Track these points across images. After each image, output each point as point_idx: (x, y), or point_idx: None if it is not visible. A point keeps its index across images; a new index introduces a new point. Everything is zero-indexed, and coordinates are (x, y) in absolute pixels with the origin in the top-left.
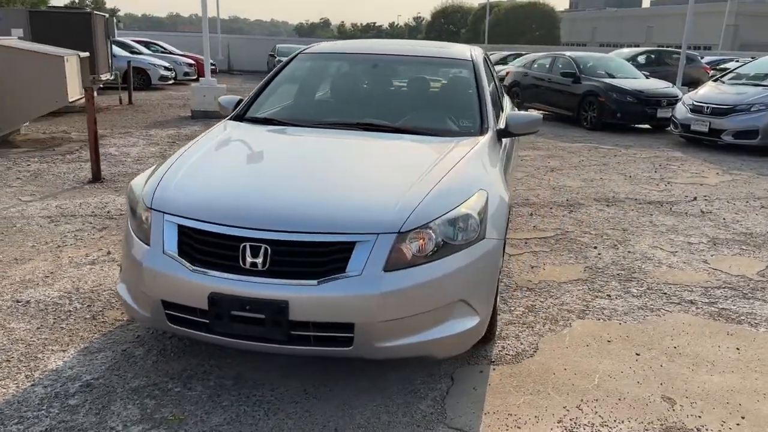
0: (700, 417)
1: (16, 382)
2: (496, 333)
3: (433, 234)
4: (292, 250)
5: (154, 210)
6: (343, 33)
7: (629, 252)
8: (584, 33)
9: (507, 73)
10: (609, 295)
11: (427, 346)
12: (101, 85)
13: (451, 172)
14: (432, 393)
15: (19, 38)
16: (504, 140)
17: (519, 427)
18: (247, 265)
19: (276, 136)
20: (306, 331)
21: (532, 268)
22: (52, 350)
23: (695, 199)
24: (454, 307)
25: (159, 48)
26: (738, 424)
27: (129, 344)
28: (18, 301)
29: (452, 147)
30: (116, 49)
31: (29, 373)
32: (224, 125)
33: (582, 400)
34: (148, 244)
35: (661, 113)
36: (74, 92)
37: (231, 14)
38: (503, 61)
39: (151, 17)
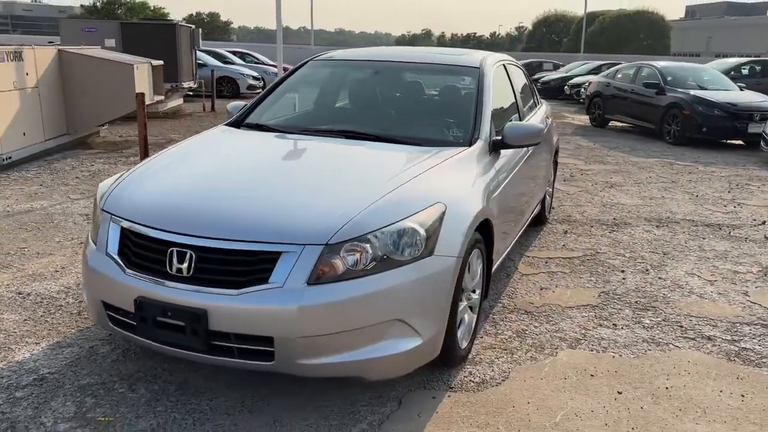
0: None
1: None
2: (468, 357)
3: (370, 247)
4: (217, 257)
5: (104, 212)
6: (442, 44)
7: (660, 278)
8: (698, 43)
9: (589, 83)
10: (615, 325)
11: (357, 367)
12: (189, 93)
13: (409, 183)
14: (372, 417)
15: (111, 48)
16: (504, 152)
17: None
18: (174, 271)
19: (251, 143)
20: (228, 342)
21: (542, 290)
22: (27, 342)
23: (764, 223)
24: (390, 327)
25: (253, 59)
26: None
27: (98, 342)
28: (20, 293)
29: (426, 157)
30: (207, 59)
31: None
32: (215, 130)
33: None
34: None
35: (753, 128)
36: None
37: (337, 27)
38: (596, 71)
39: (263, 30)
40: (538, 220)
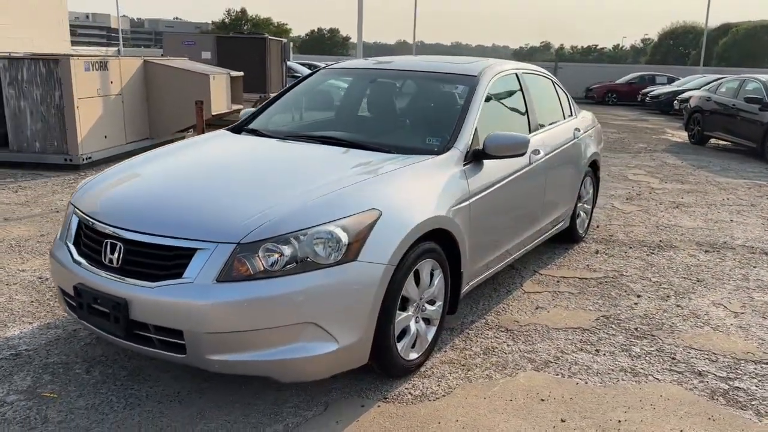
0: None
1: None
2: (419, 369)
3: (289, 249)
4: (141, 250)
5: (71, 204)
6: (561, 56)
7: (678, 306)
8: None
9: (690, 97)
10: (598, 351)
11: (268, 367)
12: None
13: (349, 188)
14: (292, 419)
15: (207, 60)
16: (491, 163)
17: None
18: (107, 261)
19: (227, 146)
20: (147, 332)
21: (537, 309)
22: (22, 321)
23: None
24: (303, 329)
25: None
26: None
27: (81, 326)
28: (40, 278)
29: (385, 164)
30: (303, 71)
31: None
32: (212, 134)
33: None
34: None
35: None
36: (220, 107)
37: (454, 41)
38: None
39: (380, 44)
40: (568, 238)
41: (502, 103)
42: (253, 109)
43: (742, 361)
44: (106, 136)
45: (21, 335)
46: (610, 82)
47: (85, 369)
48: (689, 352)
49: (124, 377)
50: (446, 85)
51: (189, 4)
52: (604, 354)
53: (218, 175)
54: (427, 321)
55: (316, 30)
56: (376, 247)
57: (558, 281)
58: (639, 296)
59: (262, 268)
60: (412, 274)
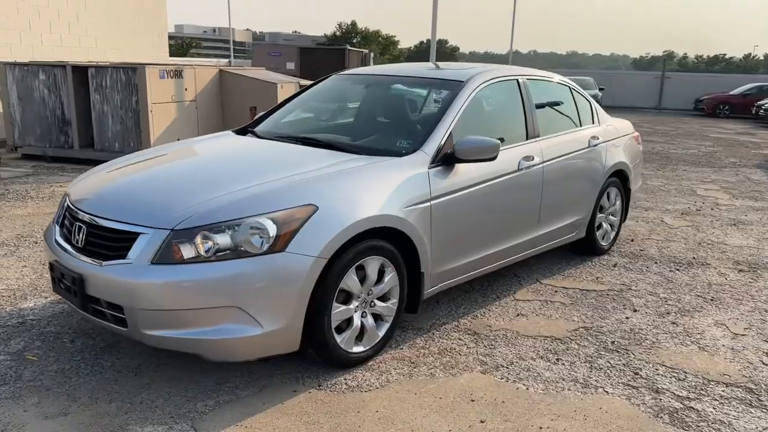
0: None
1: None
2: (366, 363)
3: (221, 237)
4: (98, 233)
5: (66, 193)
6: (683, 66)
7: (673, 323)
8: None
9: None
10: (558, 360)
11: (195, 344)
12: None
13: (291, 184)
14: (226, 396)
15: (290, 70)
16: (467, 167)
17: None
18: (74, 241)
19: (216, 145)
20: (100, 306)
21: (518, 316)
22: (41, 296)
23: None
24: (229, 313)
25: None
26: None
27: None
28: None
29: (342, 163)
30: None
31: (4, 306)
32: (216, 134)
33: None
34: None
35: None
36: None
37: (570, 50)
38: None
39: (492, 55)
40: (587, 249)
41: (494, 109)
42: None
43: (713, 383)
44: (178, 139)
45: (33, 307)
46: (722, 93)
47: (71, 339)
48: (657, 369)
49: (100, 349)
50: (432, 90)
51: (308, 17)
52: (563, 363)
53: (187, 169)
54: (379, 317)
55: (424, 41)
56: (307, 240)
57: (556, 291)
58: (635, 311)
59: (195, 254)
60: (354, 269)
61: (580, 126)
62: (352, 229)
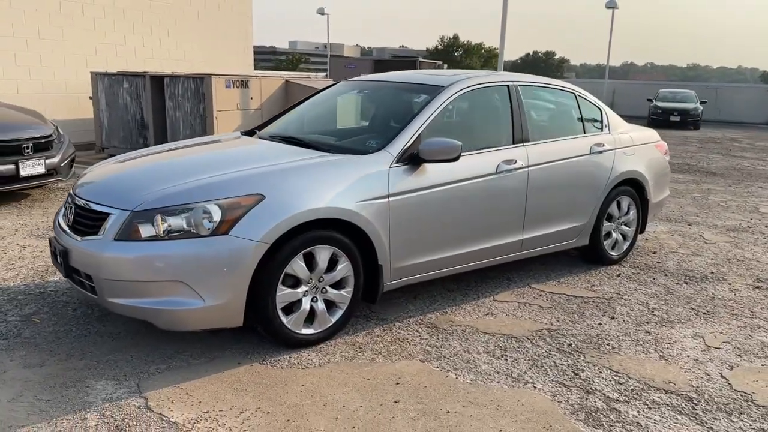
0: None
1: (22, 280)
2: (317, 344)
3: (174, 219)
4: (82, 213)
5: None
6: None
7: (647, 332)
8: None
9: None
10: (504, 355)
11: (147, 313)
12: None
13: (242, 174)
14: (178, 363)
15: None
16: (435, 167)
17: (171, 410)
18: (67, 221)
19: (218, 143)
20: (79, 276)
21: (487, 315)
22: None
23: None
24: (175, 286)
25: None
26: None
27: None
28: None
29: (307, 159)
30: None
31: (34, 279)
32: (225, 134)
33: (255, 410)
34: None
35: None
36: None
37: (690, 62)
38: None
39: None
40: (594, 258)
41: (475, 114)
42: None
43: (652, 389)
44: None
45: (56, 281)
46: None
47: (74, 308)
48: (601, 372)
49: (95, 317)
50: (413, 94)
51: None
52: (507, 359)
53: (169, 162)
54: (333, 304)
55: (531, 53)
56: (250, 226)
57: (540, 295)
58: (613, 318)
59: (153, 234)
60: (301, 256)
61: (584, 133)
62: (294, 219)
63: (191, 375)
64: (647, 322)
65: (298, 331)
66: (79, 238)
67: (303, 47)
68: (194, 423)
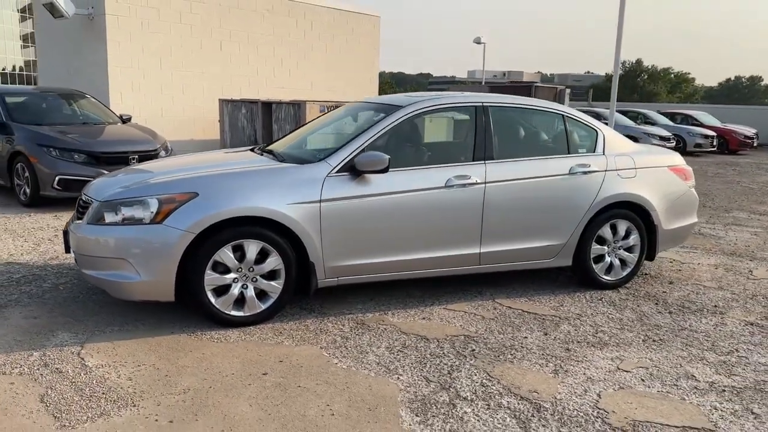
0: None
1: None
2: (252, 325)
3: (126, 209)
4: (81, 204)
5: None
6: None
7: (568, 350)
8: None
9: None
10: (399, 352)
11: (103, 283)
12: None
13: (189, 175)
14: (128, 326)
15: None
16: (380, 178)
17: (91, 357)
18: (76, 210)
19: (223, 154)
20: (73, 253)
21: (423, 319)
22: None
23: None
24: (122, 263)
25: (694, 120)
26: None
27: None
28: None
29: (258, 166)
30: (616, 118)
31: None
32: (239, 149)
33: (149, 365)
34: None
35: None
36: None
37: None
38: None
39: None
40: (587, 282)
41: (431, 131)
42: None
43: (508, 395)
44: None
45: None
46: None
47: (76, 282)
48: (475, 374)
49: (100, 291)
50: (376, 114)
51: (601, 57)
52: (398, 354)
53: (157, 167)
54: (264, 293)
55: (731, 78)
56: (180, 218)
57: (495, 308)
58: (545, 334)
59: (113, 220)
60: (229, 247)
61: (568, 153)
62: (218, 215)
63: (130, 336)
64: (577, 342)
65: (226, 312)
66: (75, 223)
67: (480, 76)
68: (99, 367)
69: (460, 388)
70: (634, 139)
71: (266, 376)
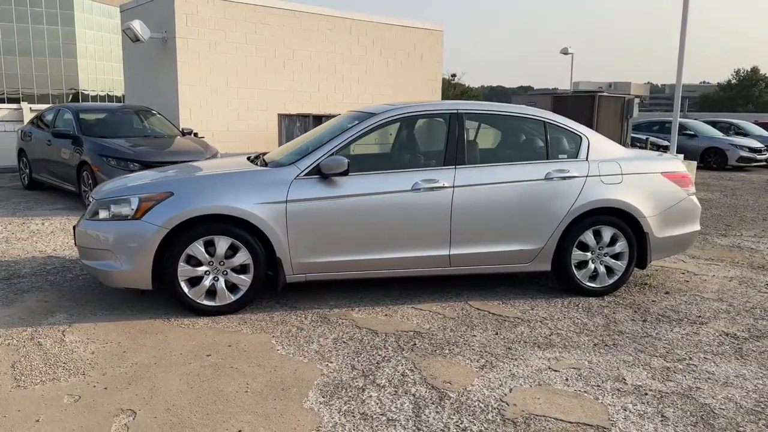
0: None
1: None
2: (225, 314)
3: (114, 206)
4: (89, 203)
5: None
6: None
7: (509, 349)
8: None
9: None
10: (342, 343)
11: (95, 271)
12: None
13: (169, 178)
14: (117, 311)
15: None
16: (349, 180)
17: (72, 334)
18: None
19: (225, 161)
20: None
21: (383, 315)
22: None
23: None
24: (108, 254)
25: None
26: None
27: None
28: None
29: (235, 169)
30: (703, 129)
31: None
32: (241, 155)
33: (115, 343)
34: None
35: None
36: None
37: None
38: None
39: None
40: (571, 288)
41: (402, 138)
42: None
43: (422, 384)
44: None
45: None
46: None
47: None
48: (403, 364)
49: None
50: (352, 121)
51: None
52: (341, 344)
53: (156, 172)
54: (234, 285)
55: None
56: (156, 215)
57: (462, 309)
58: (497, 334)
59: (105, 216)
60: (201, 242)
61: (547, 159)
62: (188, 213)
63: (114, 319)
64: (523, 342)
65: (198, 301)
66: (80, 220)
67: (586, 87)
68: (72, 343)
69: (380, 376)
70: (720, 151)
71: (209, 358)
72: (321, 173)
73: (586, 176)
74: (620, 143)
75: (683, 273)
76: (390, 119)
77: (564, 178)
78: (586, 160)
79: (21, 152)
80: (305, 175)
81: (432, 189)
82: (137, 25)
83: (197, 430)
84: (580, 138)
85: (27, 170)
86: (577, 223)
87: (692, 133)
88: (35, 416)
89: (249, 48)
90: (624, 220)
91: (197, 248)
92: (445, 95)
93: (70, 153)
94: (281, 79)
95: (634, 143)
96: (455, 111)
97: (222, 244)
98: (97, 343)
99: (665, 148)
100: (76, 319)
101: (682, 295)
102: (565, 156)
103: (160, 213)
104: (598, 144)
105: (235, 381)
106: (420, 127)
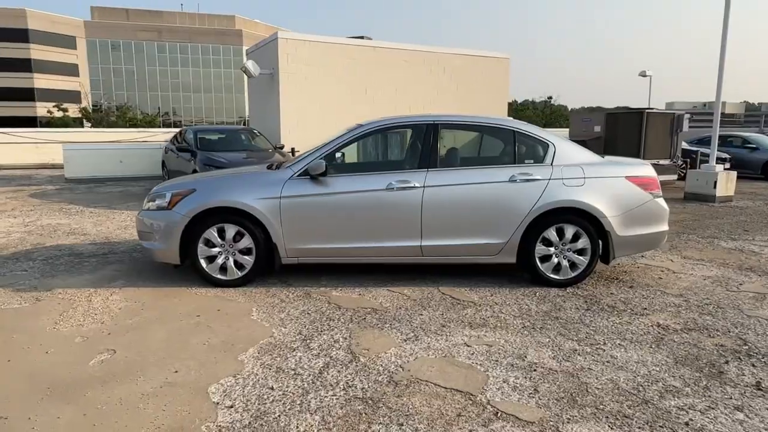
0: None
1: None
2: (227, 286)
3: (158, 199)
4: None
5: None
6: None
7: (443, 327)
8: None
9: None
10: (307, 315)
11: (146, 250)
12: (682, 172)
13: (197, 179)
14: (141, 281)
15: (597, 133)
16: (336, 180)
17: (100, 296)
18: None
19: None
20: None
21: (357, 295)
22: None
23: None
24: (153, 235)
25: None
26: None
27: None
28: None
29: (242, 172)
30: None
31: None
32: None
33: (137, 301)
34: None
35: None
36: None
37: None
38: None
39: None
40: (537, 280)
41: (382, 145)
42: None
43: (346, 351)
44: None
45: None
46: None
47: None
48: (339, 332)
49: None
50: (345, 131)
51: None
52: (306, 315)
53: (192, 175)
54: (240, 264)
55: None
56: (182, 206)
57: (429, 293)
58: (442, 314)
59: (151, 206)
60: (215, 228)
61: (515, 163)
62: (204, 205)
63: (153, 285)
64: (459, 321)
65: (214, 275)
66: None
67: (680, 107)
68: (112, 302)
69: (315, 341)
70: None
71: (197, 318)
72: (309, 174)
73: (549, 179)
74: (669, 155)
75: (662, 270)
76: (373, 129)
77: (527, 180)
78: (551, 165)
79: (163, 164)
80: (297, 176)
81: (404, 189)
82: (250, 65)
83: (147, 368)
84: (548, 145)
85: (166, 177)
86: (541, 221)
87: (754, 146)
88: (48, 348)
89: (337, 78)
90: (587, 219)
91: (212, 233)
92: (542, 114)
93: (188, 163)
94: (363, 103)
95: (688, 155)
96: (432, 122)
97: (231, 230)
98: (128, 302)
99: (723, 160)
100: (127, 284)
101: (644, 290)
102: (532, 161)
103: (185, 205)
104: (564, 151)
105: (203, 336)
106: (401, 136)
